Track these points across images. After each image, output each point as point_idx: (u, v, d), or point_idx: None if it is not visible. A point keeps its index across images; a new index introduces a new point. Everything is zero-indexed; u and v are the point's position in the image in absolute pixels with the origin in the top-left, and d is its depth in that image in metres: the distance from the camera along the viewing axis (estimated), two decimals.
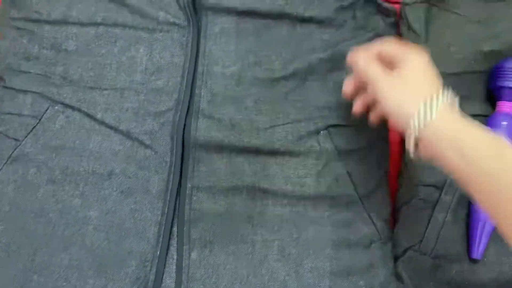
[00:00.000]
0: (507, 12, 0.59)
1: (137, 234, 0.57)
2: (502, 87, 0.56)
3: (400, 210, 0.58)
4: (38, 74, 0.60)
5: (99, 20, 0.60)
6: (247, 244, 0.57)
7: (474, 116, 0.56)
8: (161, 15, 0.60)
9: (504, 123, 0.55)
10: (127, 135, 0.58)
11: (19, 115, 0.59)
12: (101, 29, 0.60)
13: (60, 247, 0.56)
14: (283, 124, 0.58)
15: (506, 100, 0.56)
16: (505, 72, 0.56)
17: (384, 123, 0.56)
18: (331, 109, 0.59)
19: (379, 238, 0.57)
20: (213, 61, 0.60)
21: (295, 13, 0.60)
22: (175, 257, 0.57)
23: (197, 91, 0.59)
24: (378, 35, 0.60)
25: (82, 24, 0.60)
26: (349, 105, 0.55)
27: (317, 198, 0.57)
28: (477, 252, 0.55)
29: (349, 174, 0.57)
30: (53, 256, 0.56)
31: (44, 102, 0.59)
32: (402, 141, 0.60)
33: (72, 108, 0.59)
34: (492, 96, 0.58)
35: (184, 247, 0.56)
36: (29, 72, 0.60)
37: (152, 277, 0.55)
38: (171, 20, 0.60)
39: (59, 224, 0.57)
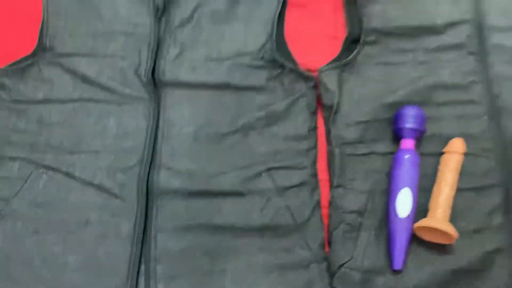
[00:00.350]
0: (402, 72, 0.76)
1: (111, 272, 0.66)
2: (402, 128, 0.70)
3: (332, 234, 0.69)
4: (25, 143, 0.72)
5: (75, 97, 0.74)
6: (206, 274, 0.66)
7: (385, 153, 0.71)
8: (127, 91, 0.74)
9: (407, 156, 0.68)
10: (101, 188, 0.69)
11: (9, 178, 0.70)
12: (77, 104, 0.74)
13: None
14: (231, 171, 0.71)
15: (407, 138, 0.70)
16: (404, 117, 0.70)
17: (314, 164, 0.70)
18: (270, 155, 0.72)
19: (316, 259, 0.67)
20: (171, 124, 0.73)
21: (236, 84, 0.75)
22: None
23: (158, 149, 0.71)
24: (302, 96, 0.75)
25: (61, 101, 0.74)
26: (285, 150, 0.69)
27: (263, 229, 0.68)
28: (398, 264, 0.65)
29: (287, 207, 0.69)
30: None
31: (30, 166, 0.71)
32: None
33: (54, 169, 0.70)
34: (397, 136, 0.72)
35: (151, 281, 0.66)
36: (17, 142, 0.72)
37: None
38: (135, 94, 0.74)
39: (42, 269, 0.66)
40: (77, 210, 0.69)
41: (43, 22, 0.77)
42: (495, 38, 0.77)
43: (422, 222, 0.64)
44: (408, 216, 0.66)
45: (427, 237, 0.67)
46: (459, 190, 0.69)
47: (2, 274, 0.66)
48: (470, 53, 0.76)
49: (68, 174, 0.70)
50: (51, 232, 0.68)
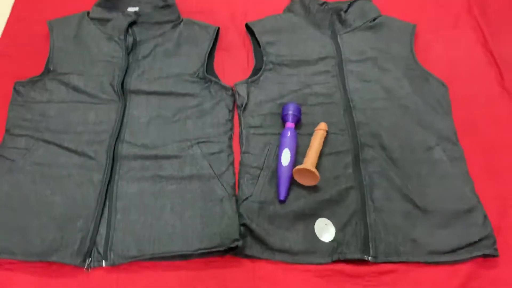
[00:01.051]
0: (289, 87, 1.15)
1: (84, 206, 0.95)
2: (286, 115, 1.07)
3: (239, 181, 1.01)
4: (29, 127, 1.05)
5: (68, 100, 1.09)
6: (151, 207, 0.96)
7: (276, 134, 1.06)
8: (104, 96, 1.10)
9: (289, 131, 1.04)
10: (81, 153, 1.01)
11: (16, 148, 1.01)
12: (69, 104, 1.09)
13: (35, 217, 0.93)
14: (172, 143, 1.04)
15: (289, 121, 1.06)
16: (287, 108, 1.07)
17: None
18: (200, 135, 1.06)
19: (228, 196, 0.98)
20: (133, 117, 1.08)
21: (178, 92, 1.12)
22: (106, 217, 0.95)
23: (122, 131, 1.05)
24: (223, 100, 1.12)
25: (58, 102, 1.09)
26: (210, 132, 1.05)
27: (192, 177, 1.00)
28: (282, 196, 0.97)
29: (209, 165, 1.02)
30: (30, 222, 0.92)
31: (32, 140, 1.03)
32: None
33: (49, 142, 1.02)
34: (283, 122, 1.08)
35: (112, 211, 0.96)
36: (24, 126, 1.05)
37: (91, 228, 0.93)
38: (109, 98, 1.10)
39: (36, 205, 0.95)
40: (64, 168, 1.00)
41: (49, 55, 1.15)
42: (349, 66, 1.18)
43: (298, 167, 0.98)
44: (288, 165, 0.99)
45: (301, 180, 1.00)
46: (326, 154, 1.05)
47: (7, 209, 0.94)
48: (333, 76, 1.17)
49: (59, 146, 1.02)
50: (44, 182, 0.98)
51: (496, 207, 1.02)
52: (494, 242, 0.95)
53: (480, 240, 0.95)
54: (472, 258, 0.95)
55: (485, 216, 0.98)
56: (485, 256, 0.95)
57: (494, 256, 0.94)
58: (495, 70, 1.23)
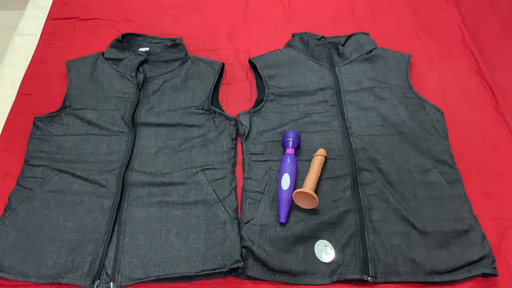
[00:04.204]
0: (289, 116, 1.20)
1: (94, 231, 1.01)
2: (286, 141, 1.12)
3: (242, 205, 1.06)
4: (46, 158, 1.12)
5: (82, 132, 1.17)
6: (157, 231, 1.01)
7: (277, 160, 1.11)
8: (115, 128, 1.17)
9: (288, 157, 1.09)
10: (93, 181, 1.08)
11: (34, 177, 1.09)
12: (83, 136, 1.16)
13: (48, 241, 0.99)
14: (178, 171, 1.10)
15: (289, 147, 1.11)
16: (287, 135, 1.13)
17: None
18: (204, 162, 1.12)
19: (230, 219, 1.02)
20: (142, 147, 1.15)
21: (185, 123, 1.19)
22: (115, 241, 1.00)
23: (132, 160, 1.12)
24: (226, 129, 1.18)
25: (73, 135, 1.17)
26: (215, 159, 1.11)
27: (197, 202, 1.05)
28: (283, 219, 1.01)
29: (213, 190, 1.07)
30: (44, 246, 0.98)
31: (48, 170, 1.10)
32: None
33: (63, 172, 1.10)
34: (284, 148, 1.13)
35: (121, 236, 1.01)
36: (42, 158, 1.12)
37: (101, 251, 0.97)
38: (120, 130, 1.17)
39: (49, 230, 1.01)
40: (76, 195, 1.06)
41: (67, 92, 1.25)
42: (347, 96, 1.24)
43: (297, 190, 1.02)
44: (288, 189, 1.04)
45: (301, 204, 1.04)
46: (325, 179, 1.09)
47: (23, 235, 1.00)
48: (332, 105, 1.23)
49: (73, 174, 1.09)
50: (57, 208, 1.04)
51: (495, 228, 1.04)
52: (493, 261, 0.96)
53: (479, 259, 0.96)
54: (471, 278, 0.96)
55: (483, 236, 0.99)
56: (484, 275, 0.96)
57: (493, 275, 0.95)
58: (490, 96, 1.27)
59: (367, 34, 1.38)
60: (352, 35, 1.37)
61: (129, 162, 1.12)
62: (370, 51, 1.32)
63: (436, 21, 1.47)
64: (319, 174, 1.07)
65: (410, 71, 1.32)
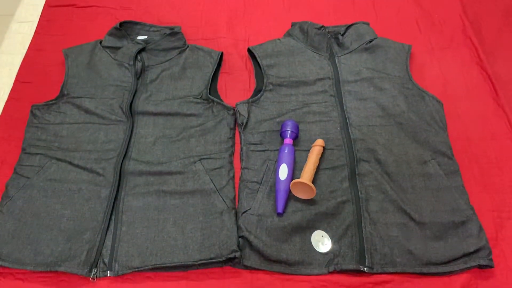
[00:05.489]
0: (287, 106, 1.20)
1: (91, 219, 1.01)
2: (284, 131, 1.11)
3: (239, 195, 1.06)
4: (43, 146, 1.12)
5: (80, 121, 1.16)
6: (154, 220, 1.01)
7: (275, 150, 1.11)
8: (113, 117, 1.17)
9: (286, 147, 1.09)
10: (90, 170, 1.07)
11: (31, 166, 1.08)
12: (80, 125, 1.16)
13: (45, 230, 0.99)
14: (176, 160, 1.10)
15: (286, 138, 1.11)
16: (285, 125, 1.12)
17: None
18: (202, 152, 1.12)
19: (227, 209, 1.02)
20: (140, 136, 1.14)
21: (183, 112, 1.18)
22: (112, 230, 1.00)
23: (130, 149, 1.11)
24: (225, 119, 1.18)
25: (70, 123, 1.16)
26: (212, 149, 1.10)
27: (194, 192, 1.04)
28: (280, 209, 1.01)
29: (211, 179, 1.06)
30: (41, 234, 0.98)
31: (46, 158, 1.10)
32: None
33: (61, 160, 1.09)
34: (282, 138, 1.13)
35: (118, 224, 1.00)
36: (39, 146, 1.12)
37: (98, 240, 0.97)
38: (118, 118, 1.17)
39: (46, 219, 1.01)
40: (74, 183, 1.06)
41: (64, 80, 1.24)
42: (346, 87, 1.23)
43: (295, 180, 1.02)
44: (286, 179, 1.03)
45: (298, 194, 1.03)
46: (322, 169, 1.09)
47: (20, 223, 1.00)
48: (331, 95, 1.22)
49: (70, 163, 1.09)
50: (55, 197, 1.04)
51: (493, 219, 1.04)
52: (490, 253, 0.96)
53: (475, 251, 0.96)
54: (467, 269, 0.96)
55: (481, 227, 0.99)
56: (481, 267, 0.96)
57: (490, 267, 0.95)
58: (490, 87, 1.26)
59: (367, 24, 1.37)
60: (352, 24, 1.35)
61: (126, 151, 1.12)
62: (370, 41, 1.31)
63: (437, 11, 1.46)
64: (317, 164, 1.07)
65: (410, 61, 1.31)
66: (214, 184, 1.06)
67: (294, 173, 1.08)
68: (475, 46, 1.34)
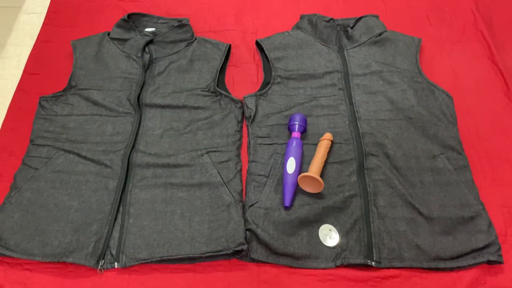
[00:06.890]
0: (295, 99, 1.19)
1: (99, 211, 1.01)
2: (293, 125, 1.11)
3: (247, 188, 1.05)
4: (51, 138, 1.12)
5: (88, 113, 1.16)
6: (162, 213, 1.01)
7: (283, 143, 1.10)
8: (121, 109, 1.17)
9: (294, 140, 1.08)
10: (98, 162, 1.07)
11: (39, 157, 1.09)
12: (88, 117, 1.16)
13: (53, 221, 0.99)
14: (183, 153, 1.10)
15: (295, 131, 1.10)
16: (293, 119, 1.11)
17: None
18: (209, 145, 1.11)
19: (235, 202, 1.02)
20: (147, 129, 1.14)
21: (190, 105, 1.18)
22: (120, 222, 1.00)
23: (137, 142, 1.11)
24: (232, 112, 1.17)
25: (78, 115, 1.16)
26: (220, 142, 1.10)
27: (201, 184, 1.04)
28: (287, 202, 1.00)
29: (218, 172, 1.06)
30: (49, 225, 0.98)
31: (53, 150, 1.10)
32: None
33: (68, 152, 1.09)
34: (290, 132, 1.12)
35: (126, 216, 1.01)
36: (47, 137, 1.12)
37: (105, 231, 0.98)
38: (126, 111, 1.16)
39: (54, 210, 1.01)
40: (81, 175, 1.06)
41: (72, 72, 1.24)
42: (355, 80, 1.22)
43: (302, 174, 1.01)
44: (293, 172, 1.03)
45: (306, 188, 1.03)
46: (330, 163, 1.08)
47: (28, 214, 1.00)
48: (340, 89, 1.21)
49: (78, 154, 1.09)
50: (62, 188, 1.04)
51: (502, 215, 1.03)
52: (499, 249, 0.95)
53: (484, 246, 0.96)
54: (476, 265, 0.95)
55: (490, 223, 0.98)
56: (489, 262, 0.95)
57: (499, 262, 0.94)
58: (501, 82, 1.24)
59: (377, 17, 1.35)
60: (361, 17, 1.34)
61: (134, 143, 1.11)
62: (380, 34, 1.30)
63: (448, 5, 1.44)
64: (325, 158, 1.06)
65: (420, 55, 1.29)
66: (221, 177, 1.06)
67: (302, 166, 1.07)
68: (486, 40, 1.32)
